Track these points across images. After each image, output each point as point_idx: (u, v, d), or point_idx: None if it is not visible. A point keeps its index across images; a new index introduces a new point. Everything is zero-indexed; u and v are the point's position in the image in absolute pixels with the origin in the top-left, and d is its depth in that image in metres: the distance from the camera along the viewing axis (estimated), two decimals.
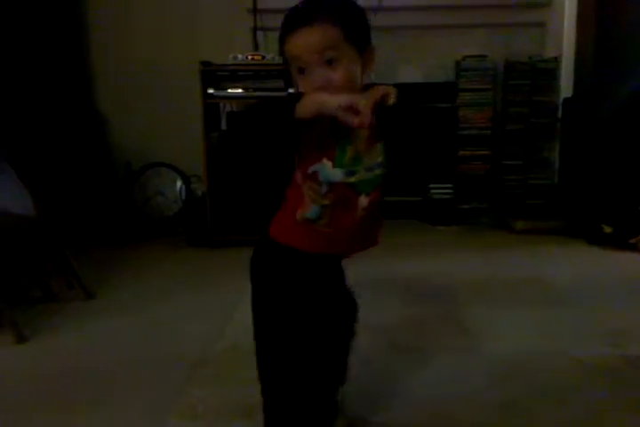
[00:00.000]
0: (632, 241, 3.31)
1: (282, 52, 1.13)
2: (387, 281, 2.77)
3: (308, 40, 1.07)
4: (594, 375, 1.83)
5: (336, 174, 1.05)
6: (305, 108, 1.02)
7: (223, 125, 3.80)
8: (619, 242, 3.35)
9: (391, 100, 1.01)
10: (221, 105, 3.80)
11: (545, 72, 4.08)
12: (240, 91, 3.53)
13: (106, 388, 1.83)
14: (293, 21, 1.09)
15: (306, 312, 1.20)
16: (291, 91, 3.46)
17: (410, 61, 4.15)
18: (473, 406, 1.65)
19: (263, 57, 3.50)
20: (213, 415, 1.63)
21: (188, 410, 1.66)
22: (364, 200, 1.13)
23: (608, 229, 3.42)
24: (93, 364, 2.01)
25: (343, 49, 1.08)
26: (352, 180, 1.07)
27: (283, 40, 1.11)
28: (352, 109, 0.97)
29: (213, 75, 3.52)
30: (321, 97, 1.02)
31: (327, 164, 1.06)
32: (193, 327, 2.31)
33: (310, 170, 1.11)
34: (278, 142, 1.15)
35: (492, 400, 1.68)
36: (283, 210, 1.24)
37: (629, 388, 1.75)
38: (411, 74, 4.16)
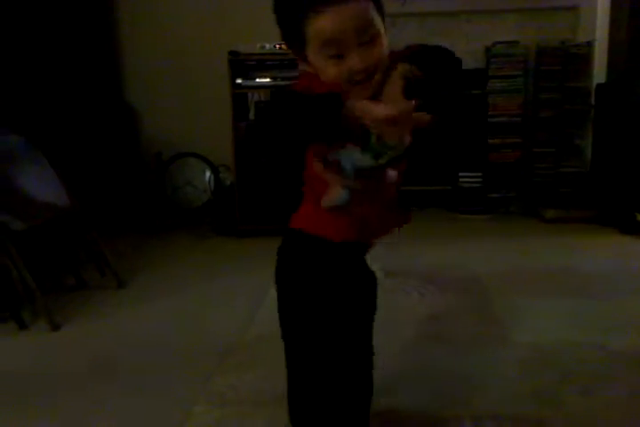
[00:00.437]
0: None
1: (296, 36, 0.98)
2: (416, 270, 2.75)
3: (345, 20, 0.92)
4: (624, 366, 1.80)
5: (365, 159, 0.99)
6: (349, 116, 0.88)
7: (251, 115, 3.81)
8: None
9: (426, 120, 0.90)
10: (249, 95, 3.81)
11: (578, 57, 4.00)
12: (268, 80, 3.53)
13: (136, 375, 1.86)
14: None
15: (339, 304, 1.13)
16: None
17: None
18: (504, 395, 1.64)
19: None
20: (242, 403, 1.65)
21: (217, 397, 1.68)
22: (392, 174, 1.03)
23: None
24: (125, 351, 2.04)
25: (378, 23, 0.96)
26: (381, 161, 0.98)
27: (302, 22, 0.95)
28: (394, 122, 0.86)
29: (241, 64, 3.52)
30: (368, 106, 0.88)
31: (353, 149, 0.98)
32: (222, 315, 2.34)
33: (334, 156, 0.99)
34: (312, 139, 0.99)
35: (523, 390, 1.67)
36: (305, 200, 1.15)
37: None
38: None
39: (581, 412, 1.55)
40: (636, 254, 3.05)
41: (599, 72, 4.03)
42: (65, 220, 2.60)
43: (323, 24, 0.93)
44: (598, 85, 3.94)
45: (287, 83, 3.50)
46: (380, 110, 0.85)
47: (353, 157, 0.97)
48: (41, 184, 2.48)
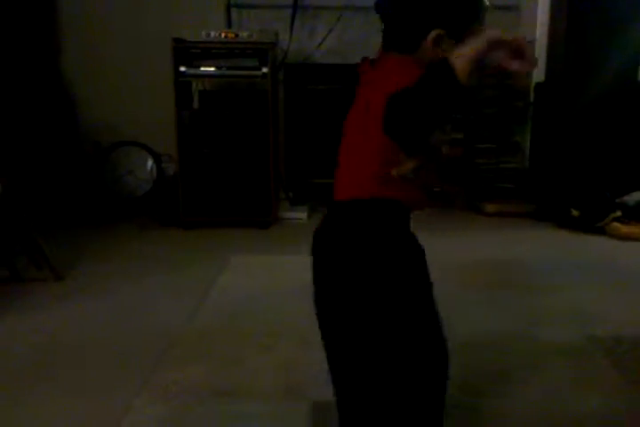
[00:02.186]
0: (600, 225, 3.37)
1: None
2: None
3: None
4: (559, 357, 1.86)
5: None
6: (463, 69, 0.82)
7: (195, 104, 3.74)
8: (586, 226, 3.41)
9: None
10: (194, 83, 3.74)
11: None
12: (213, 69, 3.48)
13: (75, 371, 1.81)
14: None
15: (426, 272, 1.10)
16: (265, 70, 3.42)
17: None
18: None
19: (237, 35, 3.44)
20: (184, 396, 1.62)
21: (159, 391, 1.65)
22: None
23: (576, 213, 3.47)
24: (62, 345, 1.98)
25: None
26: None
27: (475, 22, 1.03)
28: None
29: (186, 52, 3.45)
30: (465, 48, 0.84)
31: None
32: (165, 309, 2.30)
33: None
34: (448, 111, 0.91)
35: (452, 379, 1.69)
36: (365, 168, 1.02)
37: (595, 369, 1.79)
38: None
39: (512, 403, 1.59)
40: (571, 247, 3.17)
41: (538, 71, 4.14)
42: None
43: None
44: (537, 84, 4.05)
45: (232, 72, 3.46)
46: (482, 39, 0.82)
47: None
48: None
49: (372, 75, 1.05)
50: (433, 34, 0.98)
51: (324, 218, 1.07)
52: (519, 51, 0.82)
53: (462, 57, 0.82)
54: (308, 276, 1.05)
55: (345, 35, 3.97)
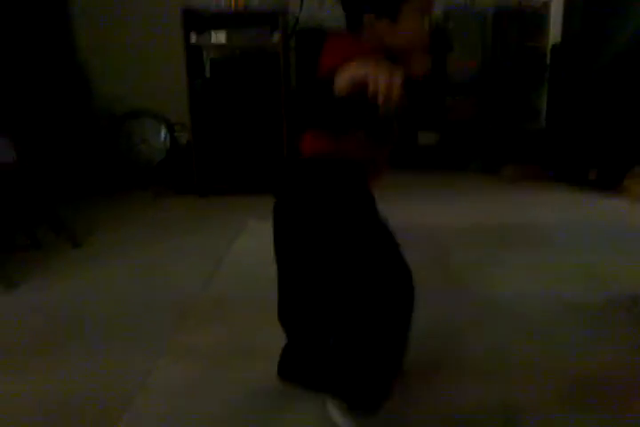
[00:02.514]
0: (617, 186, 3.34)
1: None
2: None
3: None
4: (577, 316, 1.87)
5: None
6: (338, 84, 0.99)
7: (207, 72, 3.72)
8: (603, 187, 3.38)
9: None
10: (205, 52, 3.71)
11: (534, 17, 4.00)
12: (224, 38, 3.44)
13: (97, 332, 1.84)
14: None
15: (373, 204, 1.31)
16: (276, 37, 3.38)
17: None
18: (460, 347, 1.69)
19: (247, 3, 3.40)
20: (206, 356, 1.65)
21: (182, 353, 1.68)
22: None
23: (593, 175, 3.44)
24: (83, 310, 2.01)
25: None
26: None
27: None
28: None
29: (197, 20, 3.41)
30: (359, 68, 0.98)
31: None
32: (181, 273, 2.33)
33: None
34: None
35: (477, 341, 1.71)
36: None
37: (612, 326, 1.79)
38: None
39: (532, 361, 1.60)
40: (589, 209, 3.14)
41: (555, 32, 4.05)
42: (14, 178, 2.51)
43: None
44: (554, 46, 3.98)
45: (243, 41, 3.42)
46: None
47: None
48: None
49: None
50: (365, 17, 1.18)
51: (286, 170, 1.30)
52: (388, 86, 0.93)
53: (341, 76, 0.97)
54: None
55: None
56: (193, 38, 3.42)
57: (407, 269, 1.24)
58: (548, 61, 4.01)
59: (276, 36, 3.41)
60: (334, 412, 1.29)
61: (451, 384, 1.48)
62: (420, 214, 3.09)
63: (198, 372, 1.57)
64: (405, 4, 1.17)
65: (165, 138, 4.03)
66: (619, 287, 2.07)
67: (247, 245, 2.59)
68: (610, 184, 3.36)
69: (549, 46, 4.00)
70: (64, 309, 2.02)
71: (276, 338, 1.43)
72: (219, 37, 3.45)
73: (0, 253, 2.29)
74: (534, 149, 4.06)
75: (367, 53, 1.06)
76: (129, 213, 3.24)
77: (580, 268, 2.27)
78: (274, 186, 1.31)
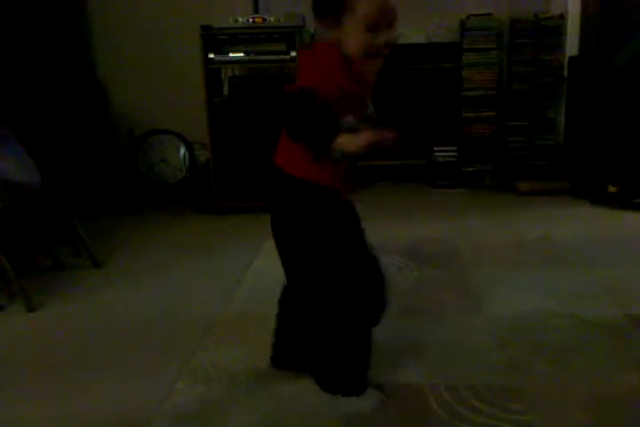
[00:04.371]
0: (637, 200, 3.30)
1: (340, 4, 1.20)
2: (391, 244, 2.78)
3: (394, 3, 1.23)
4: (598, 335, 1.85)
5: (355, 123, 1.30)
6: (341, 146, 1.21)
7: (225, 91, 3.76)
8: (623, 202, 3.35)
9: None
10: (223, 70, 3.76)
11: (550, 30, 3.99)
12: (242, 55, 3.48)
13: (116, 354, 1.86)
14: None
15: (356, 222, 1.44)
16: (293, 54, 3.41)
17: (414, 21, 4.06)
18: (479, 365, 1.68)
19: (264, 19, 3.44)
20: (224, 378, 1.66)
21: (200, 373, 1.69)
22: None
23: (613, 189, 3.41)
24: (103, 331, 2.04)
25: None
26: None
27: None
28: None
29: (214, 39, 3.46)
30: (354, 143, 1.20)
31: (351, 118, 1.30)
32: (201, 293, 2.35)
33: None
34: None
35: (496, 360, 1.70)
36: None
37: (633, 347, 1.77)
38: (414, 35, 4.08)
39: (554, 381, 1.59)
40: (608, 225, 3.11)
41: (572, 45, 4.04)
42: (37, 199, 2.56)
43: (378, 1, 1.20)
44: (571, 58, 3.96)
45: (261, 57, 3.46)
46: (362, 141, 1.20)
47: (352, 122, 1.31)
48: (11, 163, 2.43)
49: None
50: (317, 26, 1.27)
51: (275, 182, 1.43)
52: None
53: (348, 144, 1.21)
54: None
55: None
56: (211, 56, 3.46)
57: (376, 282, 1.45)
58: (566, 74, 3.99)
59: (294, 53, 3.44)
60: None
61: (469, 404, 1.47)
62: (435, 230, 3.08)
63: (216, 394, 1.58)
64: (344, 15, 1.20)
65: (184, 157, 4.08)
66: (638, 305, 2.05)
67: (266, 263, 2.60)
68: (630, 199, 3.32)
69: (566, 59, 3.98)
70: (84, 330, 2.05)
71: None
72: (236, 55, 3.49)
73: (21, 274, 2.32)
74: (552, 164, 4.04)
75: (342, 83, 1.23)
76: (148, 233, 3.28)
77: (598, 284, 2.25)
78: (270, 202, 1.46)
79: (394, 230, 3.01)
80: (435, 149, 4.07)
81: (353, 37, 1.21)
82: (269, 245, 1.48)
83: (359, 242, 1.42)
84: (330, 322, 1.42)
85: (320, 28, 1.27)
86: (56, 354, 1.88)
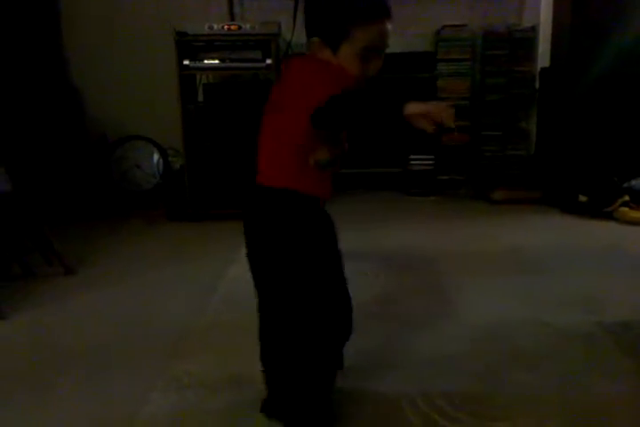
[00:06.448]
0: (607, 210, 3.37)
1: (341, 32, 1.22)
2: (365, 251, 2.79)
3: (388, 34, 1.23)
4: (568, 342, 1.87)
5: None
6: (412, 109, 1.10)
7: (200, 97, 3.75)
8: (594, 211, 3.41)
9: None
10: (198, 76, 3.74)
11: (523, 42, 4.07)
12: (217, 62, 3.47)
13: (88, 363, 1.83)
14: (378, 10, 1.21)
15: (333, 236, 1.39)
16: (268, 62, 3.42)
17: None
18: (454, 373, 1.68)
19: (240, 27, 3.44)
20: (199, 387, 1.64)
21: (174, 382, 1.67)
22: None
23: (583, 199, 3.47)
24: (75, 339, 2.00)
25: None
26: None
27: (355, 23, 1.20)
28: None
29: (189, 45, 3.45)
30: (425, 106, 1.11)
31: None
32: (175, 301, 2.32)
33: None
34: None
35: (467, 368, 1.71)
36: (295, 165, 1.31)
37: (603, 353, 1.80)
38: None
39: (525, 389, 1.60)
40: (579, 233, 3.16)
41: (543, 56, 4.12)
42: (8, 207, 2.52)
43: (379, 30, 1.22)
44: (542, 69, 4.03)
45: (236, 65, 3.46)
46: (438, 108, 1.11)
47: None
48: None
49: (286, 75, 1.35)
50: (313, 39, 1.27)
51: (251, 198, 1.38)
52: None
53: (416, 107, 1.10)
54: None
55: None
56: (186, 62, 3.45)
57: (343, 305, 1.42)
58: (537, 85, 4.06)
59: (269, 60, 3.45)
60: None
61: (444, 413, 1.48)
62: (409, 238, 3.10)
63: (190, 403, 1.56)
64: (345, 42, 1.23)
65: (158, 163, 4.04)
66: (609, 313, 2.08)
67: (241, 270, 2.58)
68: (601, 208, 3.39)
69: (538, 70, 4.06)
70: (55, 338, 2.01)
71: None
72: (212, 62, 3.48)
73: None
74: (524, 173, 4.10)
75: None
76: (122, 240, 3.23)
77: (570, 292, 2.28)
78: (243, 212, 1.42)
79: (368, 238, 3.02)
80: (411, 157, 4.10)
81: (347, 64, 1.24)
82: (244, 253, 1.46)
83: (333, 258, 1.39)
84: (295, 342, 1.37)
85: (313, 48, 1.27)
86: (26, 362, 1.84)
